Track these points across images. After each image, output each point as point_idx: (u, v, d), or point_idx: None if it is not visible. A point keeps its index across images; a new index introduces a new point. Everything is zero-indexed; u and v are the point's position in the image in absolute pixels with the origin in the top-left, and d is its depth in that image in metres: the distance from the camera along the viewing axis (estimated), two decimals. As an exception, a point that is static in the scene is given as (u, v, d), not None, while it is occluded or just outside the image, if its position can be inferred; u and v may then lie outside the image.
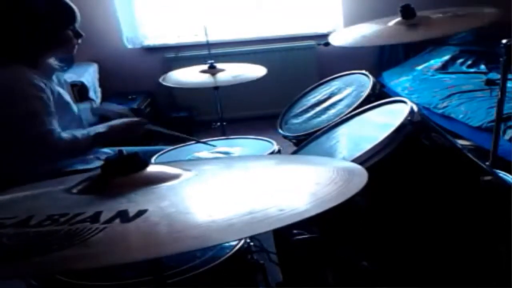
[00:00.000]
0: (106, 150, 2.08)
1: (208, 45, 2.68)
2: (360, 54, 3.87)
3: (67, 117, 1.87)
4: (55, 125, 1.74)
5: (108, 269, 1.11)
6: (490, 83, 3.18)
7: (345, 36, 1.87)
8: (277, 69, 3.71)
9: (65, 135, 1.76)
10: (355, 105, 1.72)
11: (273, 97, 3.67)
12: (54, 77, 1.89)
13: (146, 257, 0.62)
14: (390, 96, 1.61)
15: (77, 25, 1.84)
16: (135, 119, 2.00)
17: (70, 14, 1.81)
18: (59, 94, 1.85)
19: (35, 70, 1.78)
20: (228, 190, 0.81)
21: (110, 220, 0.66)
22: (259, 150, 1.80)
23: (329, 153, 1.43)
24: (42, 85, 1.76)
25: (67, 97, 1.93)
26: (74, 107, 1.95)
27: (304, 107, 2.01)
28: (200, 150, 1.87)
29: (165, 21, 4.08)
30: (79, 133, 1.81)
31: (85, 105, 2.12)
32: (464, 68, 3.65)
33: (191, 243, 0.61)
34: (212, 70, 2.33)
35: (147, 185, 0.79)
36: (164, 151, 1.87)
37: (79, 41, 1.88)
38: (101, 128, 1.87)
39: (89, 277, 1.10)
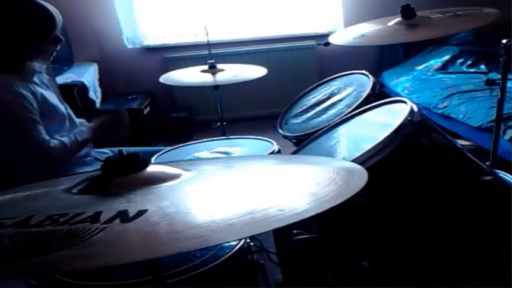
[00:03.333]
0: (105, 150, 2.08)
1: (209, 45, 2.68)
2: (360, 54, 3.87)
3: (56, 119, 1.86)
4: (43, 133, 1.74)
5: (108, 269, 1.11)
6: (490, 83, 3.17)
7: (345, 36, 1.87)
8: (277, 69, 3.71)
9: (55, 142, 1.77)
10: (355, 105, 1.72)
11: (273, 97, 3.67)
12: (36, 79, 1.87)
13: (146, 257, 0.62)
14: (390, 96, 1.62)
15: (57, 30, 1.82)
16: (115, 115, 2.00)
17: (51, 21, 1.79)
18: (43, 96, 1.83)
19: (17, 76, 1.76)
20: (228, 190, 0.81)
21: (110, 220, 0.66)
22: (259, 150, 1.81)
23: (329, 153, 1.43)
24: (25, 92, 1.74)
25: (53, 98, 1.90)
26: (62, 108, 1.93)
27: (304, 107, 2.01)
28: (200, 150, 1.88)
29: (165, 21, 4.08)
30: (68, 139, 1.82)
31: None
32: (464, 68, 3.65)
33: (191, 243, 0.61)
34: (212, 70, 2.34)
35: (147, 185, 0.79)
36: (164, 151, 1.88)
37: (59, 46, 1.86)
38: (85, 133, 1.90)
39: (89, 277, 1.10)
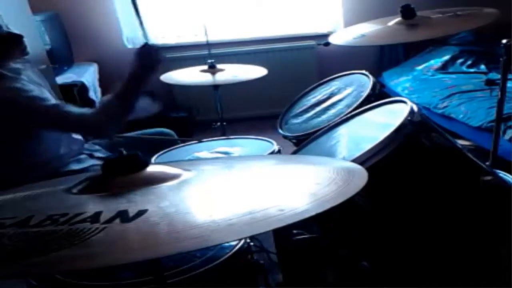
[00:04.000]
0: (97, 147, 2.08)
1: (208, 45, 2.68)
2: (360, 54, 3.87)
3: None
4: (74, 109, 1.74)
5: (108, 269, 1.11)
6: (490, 83, 3.17)
7: (345, 36, 1.87)
8: (277, 69, 3.71)
9: (91, 110, 1.77)
10: (355, 105, 1.72)
11: (273, 97, 3.67)
12: (24, 77, 1.84)
13: (146, 257, 0.62)
14: (390, 96, 1.61)
15: (2, 27, 1.78)
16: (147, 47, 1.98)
17: None
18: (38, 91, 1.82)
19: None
20: (228, 190, 0.81)
21: (110, 220, 0.66)
22: (259, 150, 1.81)
23: (329, 153, 1.43)
24: (26, 86, 1.74)
25: (48, 95, 1.90)
26: None
27: (304, 107, 2.01)
28: (200, 150, 1.88)
29: (165, 21, 4.08)
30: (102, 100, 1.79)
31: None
32: (464, 68, 3.65)
33: (191, 243, 0.61)
34: (212, 70, 2.34)
35: (147, 185, 0.79)
36: (164, 151, 1.88)
37: (25, 42, 1.84)
38: (123, 84, 1.85)
39: (89, 277, 1.10)
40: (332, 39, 1.90)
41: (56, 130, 1.80)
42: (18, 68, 1.83)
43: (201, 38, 3.28)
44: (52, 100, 1.76)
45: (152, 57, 1.94)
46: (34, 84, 1.89)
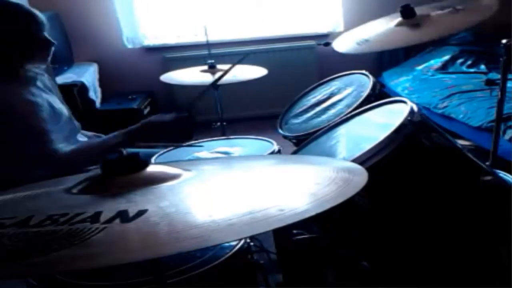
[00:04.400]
0: None
1: (208, 45, 2.68)
2: (360, 54, 3.85)
3: (60, 123, 1.83)
4: (57, 141, 1.71)
5: (108, 269, 1.11)
6: (490, 83, 3.17)
7: (347, 42, 1.86)
8: (277, 69, 3.71)
9: (72, 147, 1.73)
10: (355, 105, 1.72)
11: (273, 97, 3.68)
12: (39, 83, 1.85)
13: (146, 257, 0.62)
14: (390, 96, 1.61)
15: (44, 29, 1.76)
16: (173, 115, 1.90)
17: (40, 24, 1.75)
18: (49, 103, 1.81)
19: (18, 82, 1.73)
20: (228, 190, 0.81)
21: (110, 220, 0.66)
22: (259, 150, 1.80)
23: (329, 153, 1.43)
24: (37, 99, 1.73)
25: (57, 102, 1.89)
26: (65, 111, 1.91)
27: (304, 107, 2.01)
28: (200, 150, 1.87)
29: (165, 21, 4.08)
30: (90, 142, 1.77)
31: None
32: (464, 68, 3.65)
33: (191, 243, 0.61)
34: (212, 70, 2.34)
35: (147, 185, 0.79)
36: (164, 151, 1.87)
37: (52, 48, 1.80)
38: (119, 136, 1.81)
39: (89, 277, 1.10)
40: (336, 47, 1.88)
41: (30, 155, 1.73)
42: (36, 73, 1.83)
43: (201, 38, 3.28)
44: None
45: (183, 129, 1.89)
46: (47, 91, 1.89)
